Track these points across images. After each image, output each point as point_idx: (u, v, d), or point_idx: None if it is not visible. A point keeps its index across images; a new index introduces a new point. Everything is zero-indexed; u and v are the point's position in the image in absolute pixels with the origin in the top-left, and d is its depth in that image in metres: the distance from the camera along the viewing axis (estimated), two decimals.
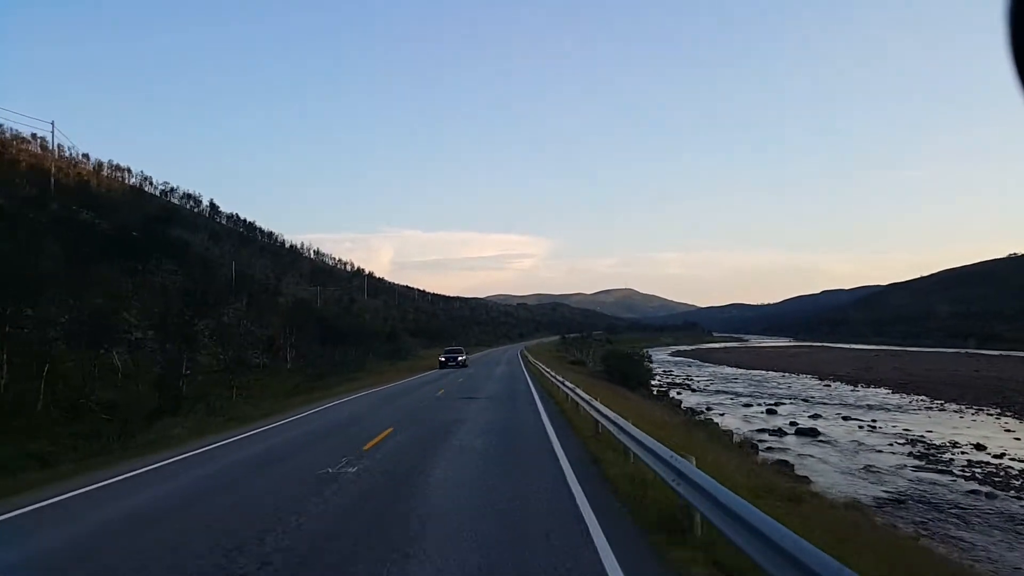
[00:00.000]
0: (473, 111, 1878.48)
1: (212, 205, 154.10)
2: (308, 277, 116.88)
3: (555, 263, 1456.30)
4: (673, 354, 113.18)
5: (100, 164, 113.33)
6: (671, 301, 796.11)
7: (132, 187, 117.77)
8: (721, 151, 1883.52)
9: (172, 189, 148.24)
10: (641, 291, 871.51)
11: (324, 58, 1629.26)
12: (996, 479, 18.54)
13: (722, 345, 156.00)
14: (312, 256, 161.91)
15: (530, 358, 47.02)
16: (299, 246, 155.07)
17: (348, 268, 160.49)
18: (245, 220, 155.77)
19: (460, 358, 44.41)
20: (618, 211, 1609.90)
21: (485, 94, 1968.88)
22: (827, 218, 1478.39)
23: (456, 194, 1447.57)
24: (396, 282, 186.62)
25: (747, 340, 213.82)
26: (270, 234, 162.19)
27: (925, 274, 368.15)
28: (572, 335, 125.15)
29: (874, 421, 30.61)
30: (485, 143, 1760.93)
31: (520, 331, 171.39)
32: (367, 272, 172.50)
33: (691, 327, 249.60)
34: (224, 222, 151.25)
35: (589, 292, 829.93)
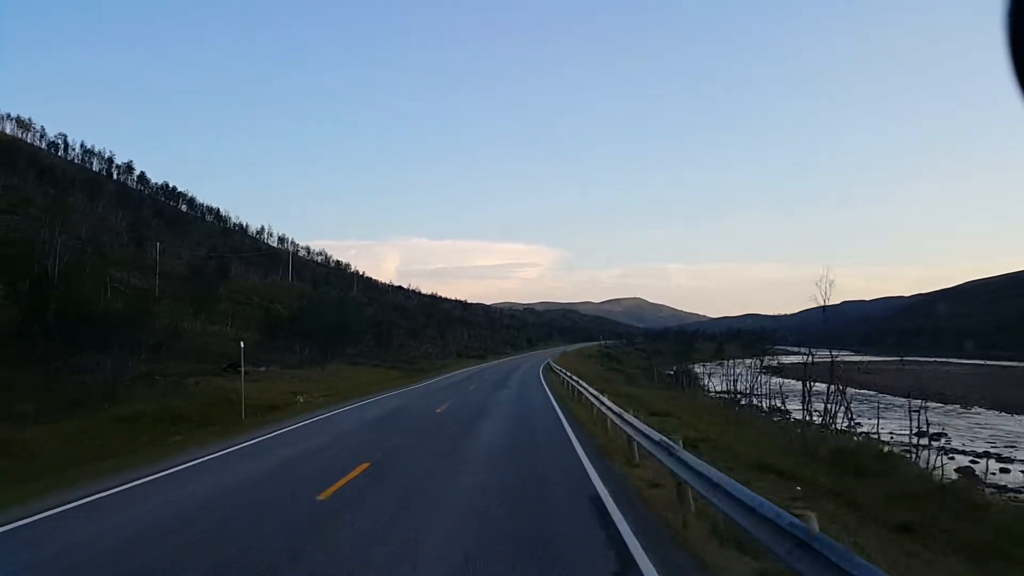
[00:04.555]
0: (479, 120, 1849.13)
1: (130, 168, 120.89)
2: (240, 254, 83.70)
3: (561, 273, 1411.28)
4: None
5: None
6: (681, 311, 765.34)
7: None
8: (728, 164, 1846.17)
9: (67, 144, 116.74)
10: (650, 300, 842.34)
11: (331, 68, 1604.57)
12: None
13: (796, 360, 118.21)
14: (270, 241, 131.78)
15: None
16: (256, 231, 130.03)
17: (318, 260, 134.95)
18: (174, 189, 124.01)
19: None
20: (625, 221, 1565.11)
21: (490, 104, 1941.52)
22: (833, 231, 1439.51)
23: (463, 203, 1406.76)
24: (387, 283, 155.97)
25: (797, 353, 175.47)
26: (218, 211, 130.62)
27: (938, 287, 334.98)
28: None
29: None
30: (491, 152, 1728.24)
31: (528, 336, 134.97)
32: (331, 261, 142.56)
33: (735, 336, 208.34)
34: (138, 186, 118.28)
35: (597, 301, 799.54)
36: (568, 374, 29.06)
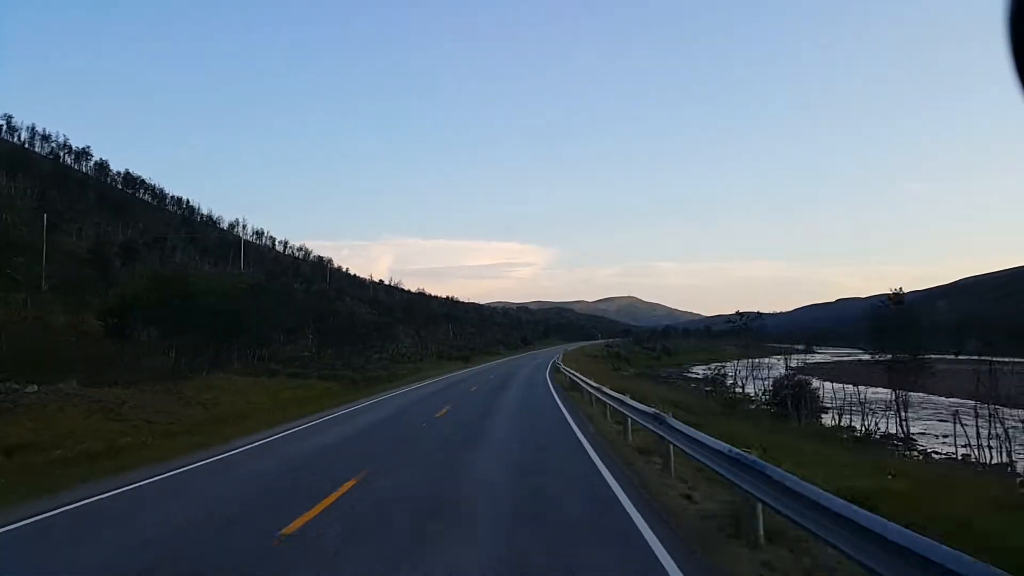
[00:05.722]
0: (475, 121, 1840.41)
1: (86, 154, 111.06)
2: (174, 233, 74.23)
3: (555, 272, 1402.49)
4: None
5: None
6: (675, 309, 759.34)
7: None
8: (725, 163, 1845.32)
9: (11, 125, 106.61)
10: (644, 299, 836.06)
11: (324, 67, 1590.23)
12: None
13: (830, 359, 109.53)
14: (242, 234, 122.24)
15: None
16: (230, 223, 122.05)
17: (297, 256, 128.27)
18: (137, 178, 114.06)
19: None
20: (619, 221, 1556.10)
21: (486, 102, 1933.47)
22: (831, 231, 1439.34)
23: (457, 202, 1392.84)
24: (368, 278, 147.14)
25: (812, 351, 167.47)
26: (187, 202, 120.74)
27: (934, 283, 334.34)
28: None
29: None
30: (487, 152, 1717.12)
31: (523, 335, 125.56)
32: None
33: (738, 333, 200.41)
34: (94, 172, 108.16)
35: (591, 300, 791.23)
36: (630, 400, 13.15)
